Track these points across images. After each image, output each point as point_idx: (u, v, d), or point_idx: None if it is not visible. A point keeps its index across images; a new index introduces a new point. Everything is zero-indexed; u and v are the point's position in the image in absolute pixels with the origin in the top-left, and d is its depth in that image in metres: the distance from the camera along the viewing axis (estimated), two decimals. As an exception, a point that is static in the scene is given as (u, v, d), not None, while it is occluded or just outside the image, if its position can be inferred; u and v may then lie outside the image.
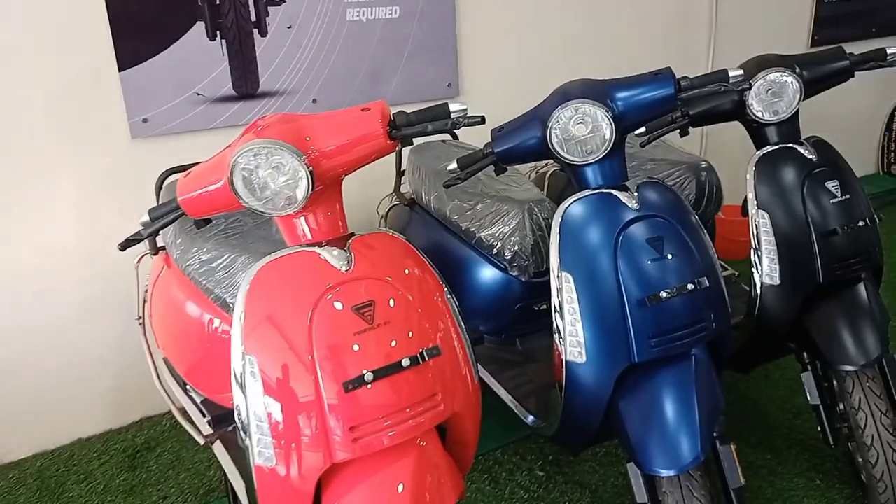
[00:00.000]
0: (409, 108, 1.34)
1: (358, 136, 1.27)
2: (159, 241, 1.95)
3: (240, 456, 1.66)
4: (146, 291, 2.07)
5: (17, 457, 2.41)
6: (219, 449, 1.71)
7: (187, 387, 1.86)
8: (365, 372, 1.21)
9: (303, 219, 1.32)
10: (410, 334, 1.28)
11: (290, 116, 1.31)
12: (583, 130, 1.51)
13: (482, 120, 1.35)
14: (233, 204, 1.27)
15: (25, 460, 2.39)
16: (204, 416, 1.78)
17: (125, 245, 1.36)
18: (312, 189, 1.23)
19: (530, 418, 1.85)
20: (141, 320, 2.07)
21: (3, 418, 2.37)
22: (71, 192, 2.29)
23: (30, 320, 2.34)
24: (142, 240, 1.36)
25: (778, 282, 1.85)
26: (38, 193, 2.25)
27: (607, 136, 1.50)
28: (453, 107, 1.32)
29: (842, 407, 1.88)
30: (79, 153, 2.27)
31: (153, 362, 1.98)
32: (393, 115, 1.31)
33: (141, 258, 2.06)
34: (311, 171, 1.22)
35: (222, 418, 1.77)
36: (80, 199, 2.31)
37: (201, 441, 1.73)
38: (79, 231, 2.34)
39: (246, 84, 2.44)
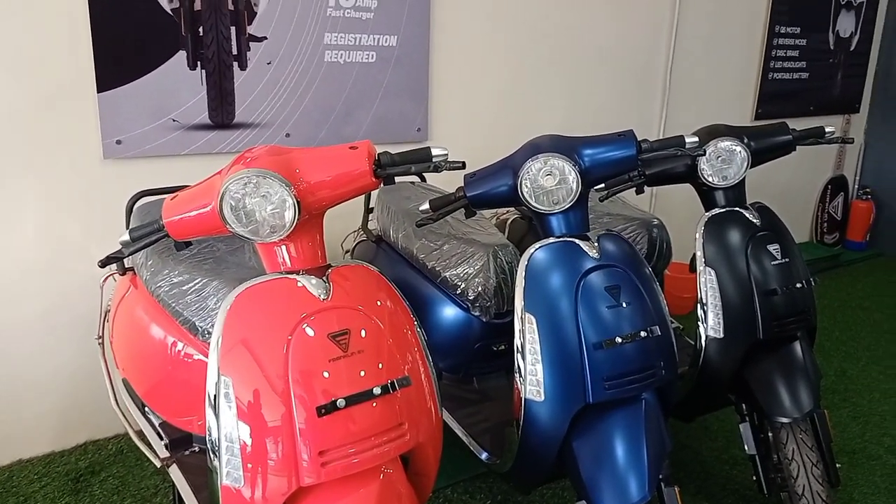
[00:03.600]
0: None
1: (345, 172, 1.34)
2: (127, 262, 1.96)
3: (197, 480, 1.66)
4: (108, 311, 2.06)
5: (-50, 476, 2.33)
6: (175, 472, 1.70)
7: (146, 409, 1.85)
8: (338, 398, 1.25)
9: (284, 247, 1.36)
10: (381, 365, 1.33)
11: (280, 149, 1.37)
12: (551, 182, 1.62)
13: (463, 165, 1.44)
14: (219, 228, 1.31)
15: (-40, 480, 2.31)
16: (162, 438, 1.78)
17: (105, 262, 1.39)
18: (298, 219, 1.29)
19: (485, 455, 1.90)
20: (100, 340, 2.06)
21: (-61, 435, 2.30)
22: (35, 206, 2.28)
23: (-22, 335, 2.29)
24: (123, 258, 1.38)
25: (721, 335, 1.97)
26: (1, 205, 2.23)
27: (573, 189, 1.61)
28: (435, 151, 1.40)
29: (776, 457, 1.99)
30: (48, 168, 2.26)
31: (111, 382, 1.97)
32: (378, 154, 1.38)
33: (107, 278, 2.06)
34: (298, 202, 1.28)
35: (180, 441, 1.76)
36: (44, 214, 2.30)
37: (158, 464, 1.72)
38: (39, 246, 2.31)
39: (222, 114, 2.49)
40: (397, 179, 1.43)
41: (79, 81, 2.25)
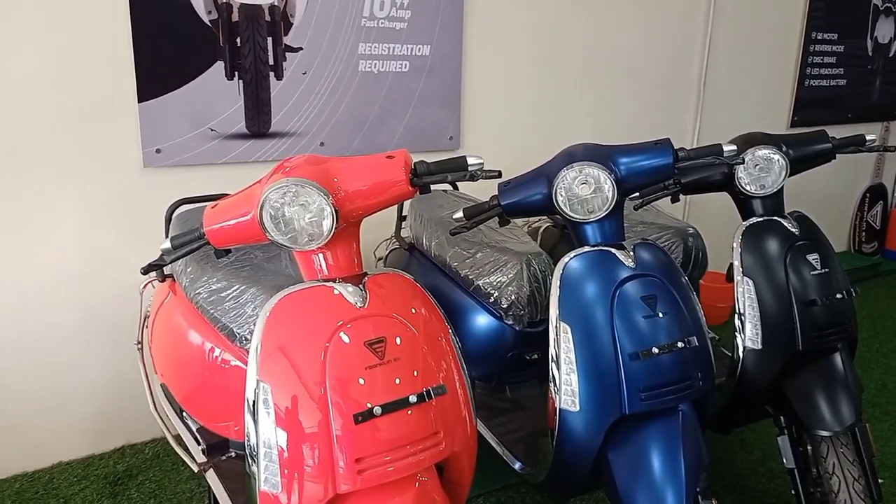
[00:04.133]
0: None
1: (382, 181, 1.35)
2: (166, 269, 1.99)
3: (233, 485, 1.68)
4: (147, 317, 2.10)
5: (-6, 477, 2.39)
6: (212, 477, 1.72)
7: (184, 414, 1.88)
8: (375, 405, 1.26)
9: (321, 255, 1.38)
10: (416, 373, 1.33)
11: (318, 158, 1.39)
12: (586, 190, 1.61)
13: (499, 174, 1.44)
14: (258, 237, 1.33)
15: (4, 481, 2.36)
16: (199, 443, 1.80)
17: (147, 269, 1.42)
18: (336, 227, 1.30)
19: (518, 465, 1.89)
20: (140, 345, 2.10)
21: (-16, 437, 2.36)
22: (77, 214, 2.33)
23: (20, 339, 2.34)
24: (165, 265, 1.41)
25: (759, 346, 1.93)
26: (44, 213, 2.28)
27: (609, 198, 1.60)
28: (471, 160, 1.41)
29: (816, 472, 1.94)
30: (90, 177, 2.32)
31: (149, 387, 2.00)
32: (414, 163, 1.39)
33: (146, 285, 2.10)
34: (336, 210, 1.29)
35: (217, 447, 1.78)
36: (86, 222, 2.35)
37: (195, 468, 1.74)
38: (81, 254, 2.36)
39: (258, 123, 2.53)
40: (432, 188, 1.44)
41: (120, 92, 2.30)
